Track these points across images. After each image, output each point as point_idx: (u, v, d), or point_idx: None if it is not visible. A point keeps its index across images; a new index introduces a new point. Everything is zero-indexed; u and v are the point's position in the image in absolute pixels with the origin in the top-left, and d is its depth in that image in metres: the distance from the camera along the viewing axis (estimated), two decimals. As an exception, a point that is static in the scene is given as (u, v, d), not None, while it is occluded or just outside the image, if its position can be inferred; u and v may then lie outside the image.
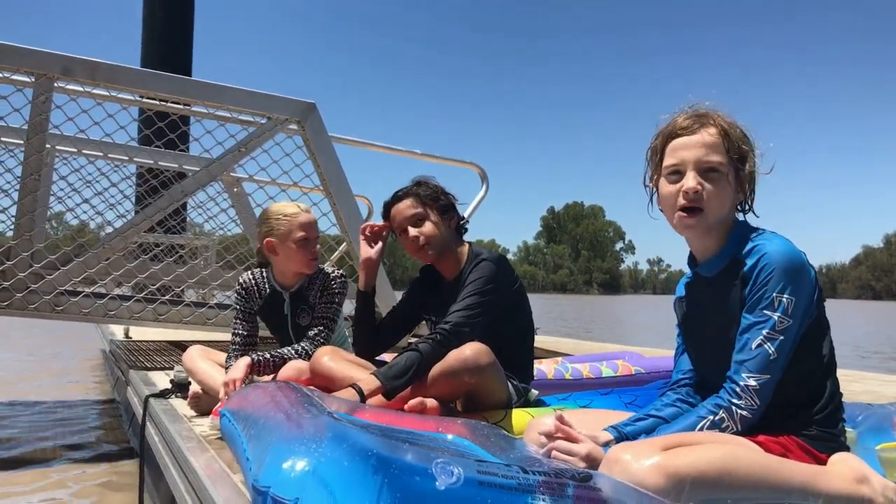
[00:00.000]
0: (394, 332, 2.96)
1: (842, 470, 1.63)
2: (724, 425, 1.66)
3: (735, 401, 1.68)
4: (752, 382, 1.67)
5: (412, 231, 2.74)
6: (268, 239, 3.06)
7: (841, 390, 1.83)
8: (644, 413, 1.91)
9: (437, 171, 2.91)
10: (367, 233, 2.92)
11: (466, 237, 2.90)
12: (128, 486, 3.69)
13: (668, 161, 1.81)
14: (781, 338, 1.67)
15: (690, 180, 1.75)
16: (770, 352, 1.67)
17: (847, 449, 1.78)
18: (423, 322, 2.96)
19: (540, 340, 7.43)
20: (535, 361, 3.55)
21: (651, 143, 1.90)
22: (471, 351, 2.40)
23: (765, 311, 1.68)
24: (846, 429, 2.13)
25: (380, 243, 2.91)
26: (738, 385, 1.68)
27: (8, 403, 6.15)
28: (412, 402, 2.36)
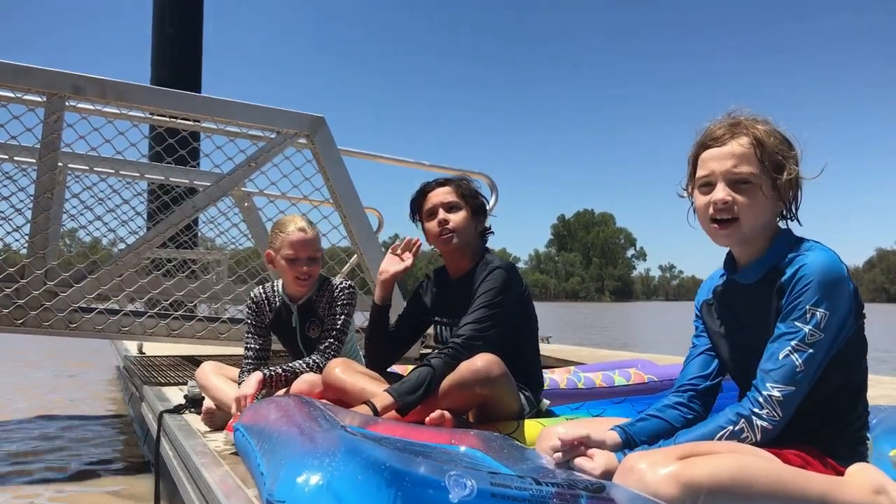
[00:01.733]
0: (403, 342, 2.95)
1: (859, 480, 1.61)
2: (743, 435, 1.64)
3: (756, 410, 1.65)
4: (776, 393, 1.64)
5: (443, 214, 2.74)
6: (268, 250, 3.10)
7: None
8: (646, 414, 1.89)
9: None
10: (398, 250, 2.92)
11: None
12: (143, 501, 3.69)
13: (700, 172, 1.80)
14: (811, 351, 1.63)
15: (719, 192, 1.73)
16: (797, 364, 1.64)
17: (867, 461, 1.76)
18: (433, 325, 2.96)
19: (552, 349, 7.42)
20: (548, 371, 3.55)
21: (689, 154, 1.88)
22: (482, 362, 2.39)
23: (796, 323, 1.65)
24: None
25: (407, 262, 2.90)
26: (761, 395, 1.65)
27: (23, 419, 6.18)
28: (433, 414, 2.36)
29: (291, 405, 1.84)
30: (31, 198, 4.53)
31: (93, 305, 4.47)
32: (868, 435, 1.80)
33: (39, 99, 4.39)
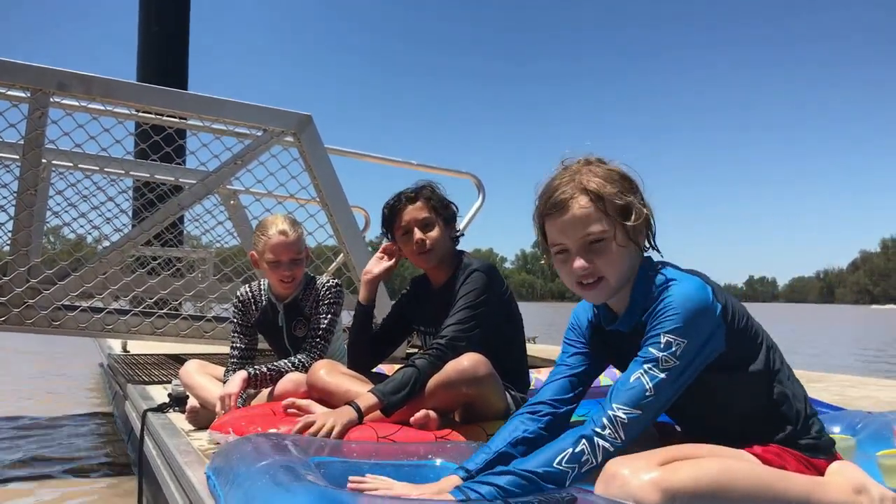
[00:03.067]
0: (386, 345, 2.94)
1: (839, 480, 1.62)
2: (584, 458, 1.56)
3: (598, 430, 1.58)
4: (621, 415, 1.58)
5: (419, 234, 2.70)
6: (252, 252, 3.08)
7: (834, 393, 1.81)
8: (495, 451, 1.73)
9: (434, 181, 2.89)
10: (384, 249, 2.89)
11: (464, 245, 2.90)
12: (126, 500, 3.67)
13: (551, 240, 1.73)
14: (662, 376, 1.59)
15: (577, 262, 1.68)
16: (647, 388, 1.59)
17: (834, 444, 1.77)
18: (415, 333, 2.96)
19: (538, 350, 7.43)
20: (534, 371, 3.56)
21: (534, 214, 1.79)
22: (469, 362, 2.39)
23: (650, 349, 1.61)
24: (846, 436, 2.14)
25: (390, 262, 2.87)
26: (606, 414, 1.60)
27: (5, 418, 6.13)
28: (418, 414, 2.35)
29: (261, 447, 1.81)
30: (15, 194, 4.49)
31: (76, 303, 4.44)
32: (815, 412, 1.79)
33: (24, 95, 4.35)
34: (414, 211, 2.73)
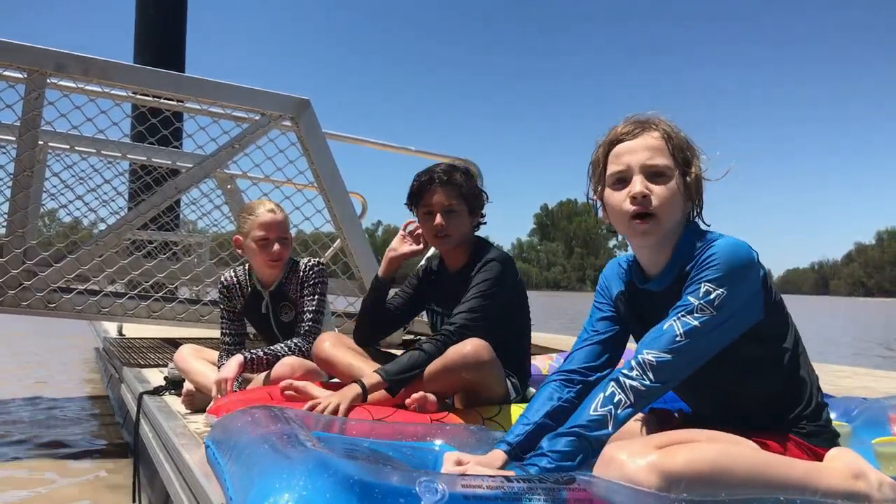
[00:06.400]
0: (393, 320, 2.95)
1: (838, 465, 1.62)
2: (616, 398, 1.60)
3: (626, 371, 1.61)
4: (649, 357, 1.60)
5: (439, 219, 2.66)
6: (236, 235, 3.07)
7: (827, 383, 1.82)
8: (534, 423, 1.77)
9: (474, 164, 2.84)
10: (412, 232, 2.85)
11: None
12: (121, 482, 3.68)
13: (612, 168, 1.75)
14: (695, 324, 1.60)
15: (637, 185, 1.69)
16: (677, 333, 1.60)
17: (837, 436, 1.78)
18: (425, 311, 2.96)
19: (534, 337, 7.42)
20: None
21: (592, 157, 1.82)
22: (471, 347, 2.39)
23: (689, 297, 1.62)
24: (841, 423, 2.15)
25: (418, 246, 2.84)
26: (635, 359, 1.63)
27: (0, 401, 6.12)
28: (415, 396, 2.36)
29: (260, 418, 1.81)
30: (11, 176, 4.47)
31: (72, 286, 4.42)
32: (826, 402, 1.81)
33: (20, 75, 4.32)
34: (441, 196, 2.67)
